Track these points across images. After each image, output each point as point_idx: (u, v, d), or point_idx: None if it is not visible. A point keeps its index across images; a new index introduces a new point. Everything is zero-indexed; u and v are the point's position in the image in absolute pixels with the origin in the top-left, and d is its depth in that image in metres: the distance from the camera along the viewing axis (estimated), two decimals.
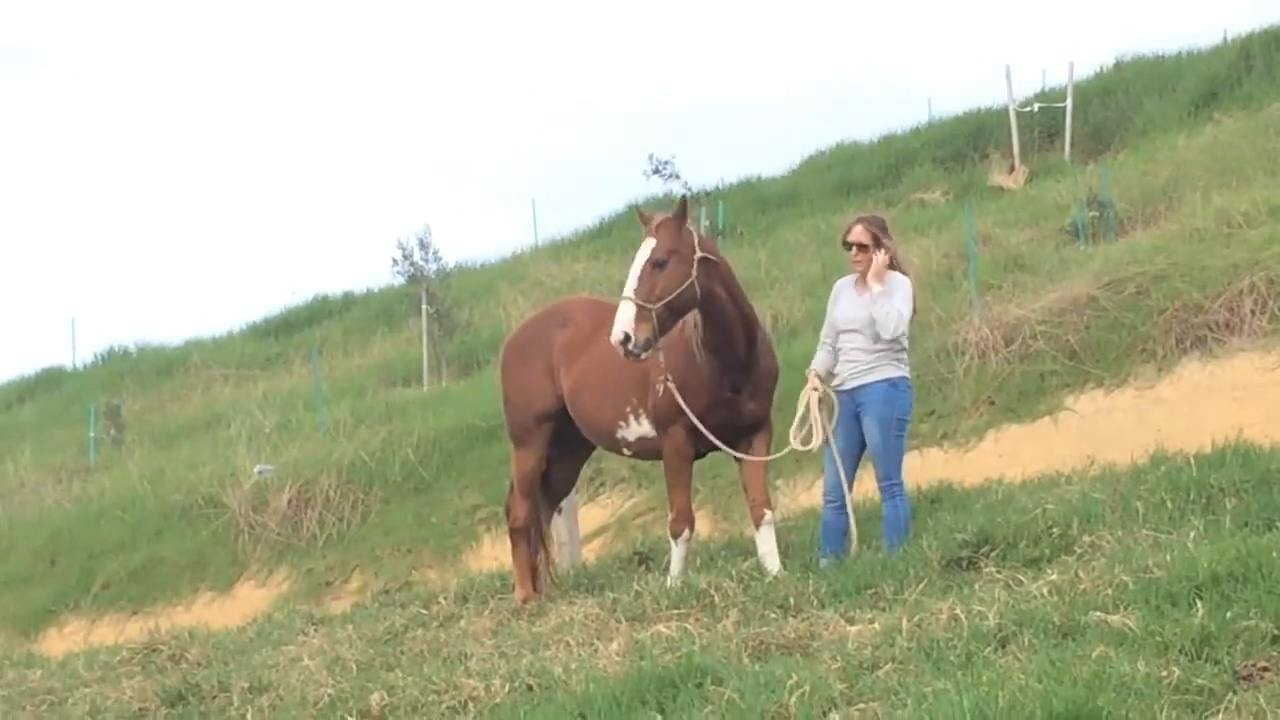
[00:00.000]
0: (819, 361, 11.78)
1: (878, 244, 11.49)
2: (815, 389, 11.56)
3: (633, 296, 11.06)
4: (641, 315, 10.98)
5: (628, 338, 10.91)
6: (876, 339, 11.30)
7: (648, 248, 11.32)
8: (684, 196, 11.98)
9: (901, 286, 11.48)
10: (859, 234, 11.58)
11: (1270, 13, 52.24)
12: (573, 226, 40.86)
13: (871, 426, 11.30)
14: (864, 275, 11.49)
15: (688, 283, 11.24)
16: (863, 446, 11.56)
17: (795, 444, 11.74)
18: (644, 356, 11.15)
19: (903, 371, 11.52)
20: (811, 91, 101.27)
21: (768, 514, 11.75)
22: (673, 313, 11.27)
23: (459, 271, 35.30)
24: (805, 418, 11.55)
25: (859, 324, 11.37)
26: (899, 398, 11.42)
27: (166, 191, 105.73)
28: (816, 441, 11.51)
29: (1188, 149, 28.40)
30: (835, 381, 11.56)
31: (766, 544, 11.62)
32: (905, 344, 11.60)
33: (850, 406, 11.43)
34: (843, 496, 11.38)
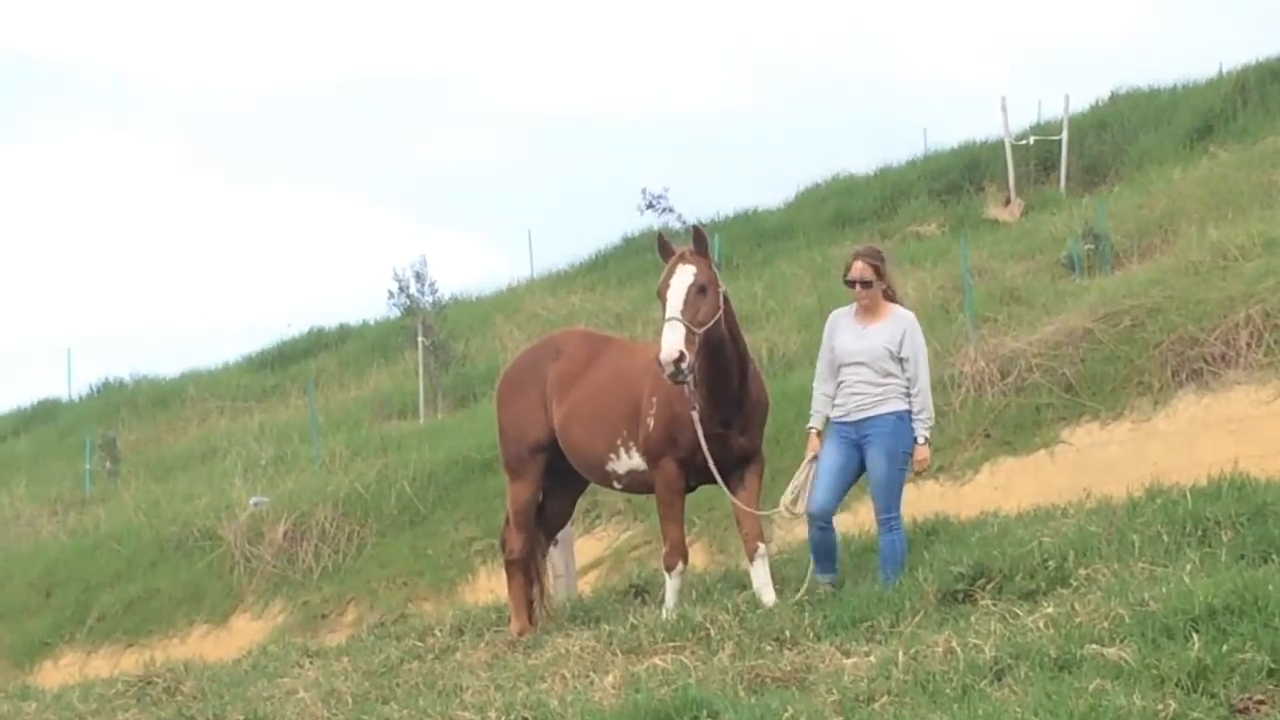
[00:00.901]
0: (818, 410, 11.72)
1: (879, 277, 11.48)
2: (813, 456, 11.57)
3: (680, 318, 10.88)
4: (689, 338, 10.81)
5: (682, 356, 10.70)
6: (885, 373, 11.26)
7: (689, 273, 11.14)
8: (697, 228, 11.68)
9: (905, 322, 11.50)
10: (862, 271, 11.46)
11: (1265, 46, 52.28)
12: (568, 259, 40.96)
13: (878, 458, 11.21)
14: (865, 309, 11.49)
15: (719, 314, 11.23)
16: (857, 474, 11.53)
17: (784, 510, 11.79)
18: (689, 379, 10.96)
19: (907, 405, 11.32)
20: (807, 123, 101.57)
21: (761, 547, 11.75)
22: (705, 341, 11.08)
23: (455, 304, 35.25)
24: (800, 484, 11.55)
25: (865, 356, 11.29)
26: (905, 430, 11.27)
27: (162, 223, 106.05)
28: (802, 506, 11.51)
29: (1183, 182, 28.48)
30: (837, 414, 11.45)
31: (760, 577, 11.58)
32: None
33: (852, 437, 11.34)
34: (830, 519, 11.43)
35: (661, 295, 11.27)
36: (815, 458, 11.49)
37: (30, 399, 43.70)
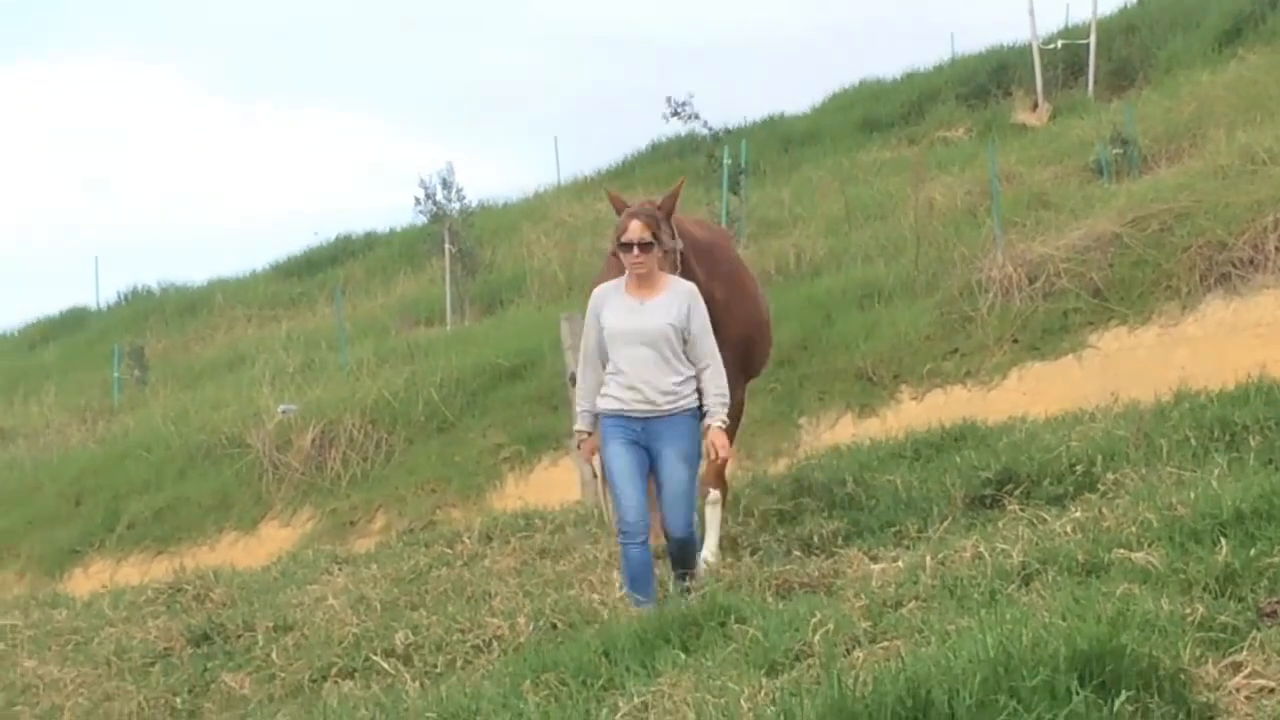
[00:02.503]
0: (586, 409, 9.67)
1: (658, 240, 9.43)
2: (591, 457, 9.81)
3: None
4: None
5: None
6: (672, 358, 9.34)
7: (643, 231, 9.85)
8: (676, 185, 10.35)
9: (688, 294, 9.50)
10: (639, 230, 9.35)
11: None
12: (595, 165, 40.94)
13: (676, 466, 9.38)
14: (640, 279, 9.44)
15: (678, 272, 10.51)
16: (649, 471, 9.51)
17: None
18: None
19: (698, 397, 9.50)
20: (833, 27, 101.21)
21: (713, 493, 10.64)
22: None
23: (481, 210, 35.28)
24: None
25: (645, 337, 9.32)
26: (698, 428, 9.54)
27: (194, 138, 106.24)
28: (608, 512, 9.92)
29: (1212, 85, 28.27)
30: (613, 406, 9.40)
31: (710, 526, 10.62)
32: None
33: (636, 432, 9.37)
34: (646, 530, 9.33)
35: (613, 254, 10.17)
36: (595, 464, 9.72)
37: (58, 308, 43.82)
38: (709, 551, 10.30)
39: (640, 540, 9.23)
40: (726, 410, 9.48)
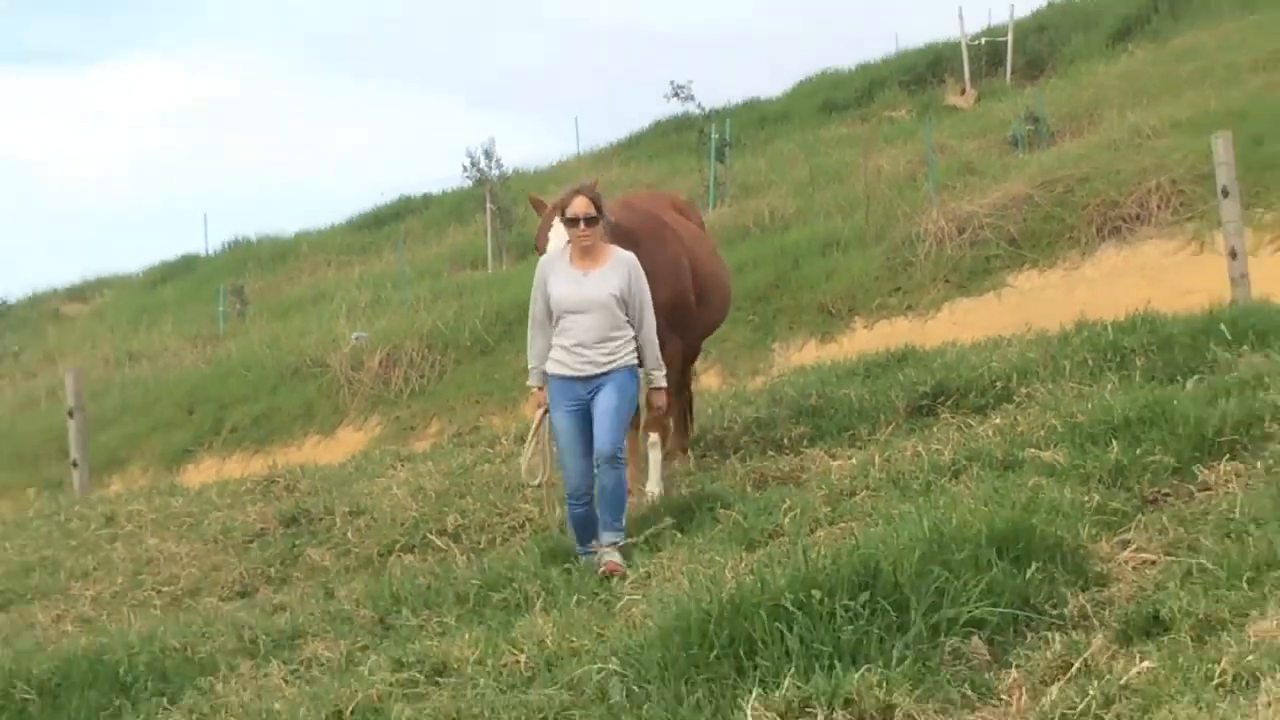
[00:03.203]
0: (536, 367, 8.70)
1: (601, 214, 8.48)
2: (542, 415, 8.75)
3: None
4: None
5: None
6: (614, 325, 8.43)
7: (563, 235, 8.85)
8: (594, 180, 9.48)
9: (629, 265, 8.56)
10: (583, 206, 8.40)
11: None
12: (608, 138, 41.06)
13: (610, 395, 8.35)
14: (584, 251, 8.47)
15: None
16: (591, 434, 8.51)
17: (526, 480, 9.06)
18: None
19: (636, 358, 8.60)
20: (800, 24, 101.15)
21: (653, 436, 9.78)
22: None
23: (516, 176, 35.23)
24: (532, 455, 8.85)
25: (589, 305, 8.39)
26: (635, 379, 8.64)
27: (282, 106, 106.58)
28: (542, 476, 8.84)
29: (1106, 75, 28.33)
30: (562, 371, 8.47)
31: (651, 465, 9.76)
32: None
33: (581, 393, 8.44)
34: (589, 494, 8.45)
35: (540, 247, 9.26)
36: (542, 420, 8.72)
37: (174, 254, 43.68)
38: (652, 483, 9.71)
39: (585, 502, 8.40)
40: (663, 374, 8.72)
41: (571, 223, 8.42)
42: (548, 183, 35.23)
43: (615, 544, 8.33)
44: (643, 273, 8.55)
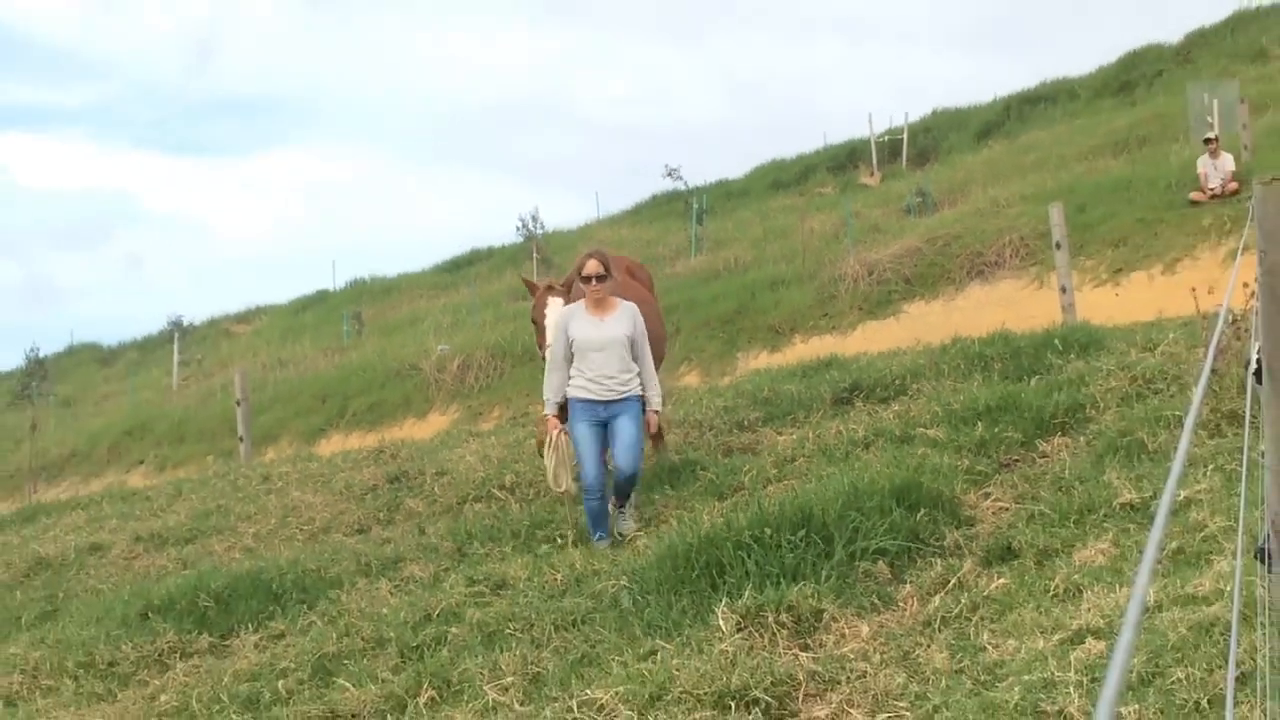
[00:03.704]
0: (553, 398, 7.80)
1: (609, 273, 7.79)
2: (557, 435, 7.88)
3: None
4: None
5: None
6: (626, 360, 7.71)
7: (558, 304, 8.20)
8: (553, 283, 8.62)
9: (633, 311, 7.82)
10: (596, 268, 7.70)
11: (1022, 81, 52.03)
12: (619, 206, 41.43)
13: (629, 425, 7.65)
14: (596, 302, 7.75)
15: None
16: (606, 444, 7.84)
17: (551, 483, 8.08)
18: None
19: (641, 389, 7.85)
20: (763, 125, 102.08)
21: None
22: None
23: (554, 234, 35.37)
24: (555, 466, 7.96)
25: (607, 344, 7.67)
26: (643, 414, 7.82)
27: (384, 184, 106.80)
28: (564, 485, 7.99)
29: (973, 162, 28.40)
30: (584, 395, 7.66)
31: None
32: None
33: (600, 415, 7.67)
34: (602, 490, 7.70)
35: (538, 324, 8.37)
36: (556, 438, 7.87)
37: (311, 289, 43.87)
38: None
39: (599, 496, 7.67)
40: (660, 399, 7.92)
41: (586, 280, 7.72)
42: (577, 240, 35.37)
43: (634, 515, 7.95)
44: (642, 318, 7.87)
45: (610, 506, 7.85)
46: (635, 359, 7.80)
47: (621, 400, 7.69)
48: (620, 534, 7.72)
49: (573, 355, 7.73)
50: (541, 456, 8.18)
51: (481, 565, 7.57)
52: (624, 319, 7.79)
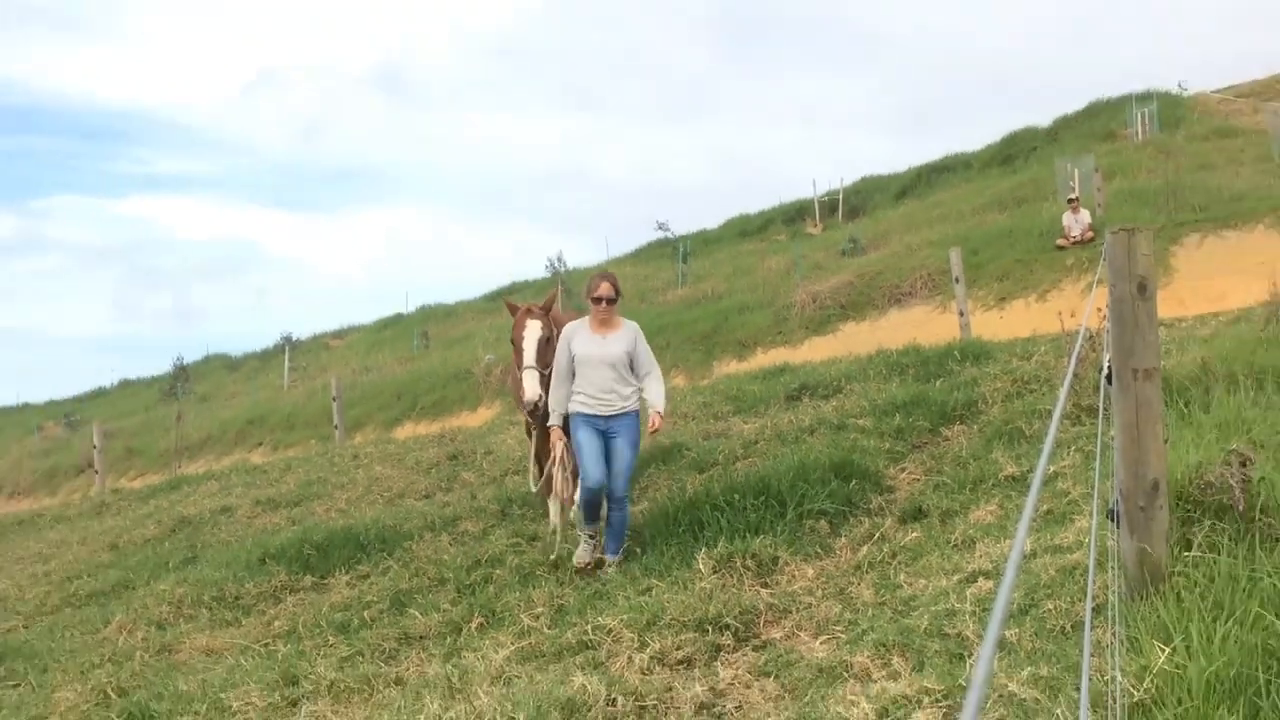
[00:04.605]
0: (557, 410, 6.32)
1: (619, 296, 6.40)
2: (563, 449, 6.44)
3: (535, 366, 6.53)
4: (542, 380, 6.53)
5: (540, 396, 6.48)
6: (625, 376, 6.26)
7: (537, 327, 6.66)
8: (552, 292, 7.08)
9: (635, 331, 6.41)
10: (609, 290, 6.32)
11: (930, 154, 51.96)
12: (623, 249, 41.35)
13: (624, 449, 6.18)
14: (602, 321, 6.33)
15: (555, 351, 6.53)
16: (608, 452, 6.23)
17: (559, 491, 6.57)
18: (542, 407, 6.51)
19: (639, 406, 6.37)
20: (731, 185, 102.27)
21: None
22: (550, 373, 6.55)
23: (575, 271, 35.32)
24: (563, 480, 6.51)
25: (609, 360, 6.23)
26: (639, 426, 6.35)
27: (446, 235, 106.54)
28: (567, 493, 6.54)
29: (893, 217, 28.27)
30: (586, 409, 6.21)
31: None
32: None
33: (600, 426, 6.21)
34: (603, 486, 6.11)
35: (517, 344, 6.67)
36: (562, 451, 6.44)
37: (389, 313, 43.67)
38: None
39: (597, 490, 6.10)
40: (664, 403, 6.32)
41: (597, 301, 6.31)
42: (593, 275, 35.39)
43: (616, 562, 6.22)
44: (643, 334, 6.46)
45: (599, 551, 6.34)
46: (638, 373, 6.35)
47: (620, 415, 6.23)
48: (603, 573, 6.13)
49: (574, 371, 6.32)
50: (530, 438, 7.06)
51: (519, 523, 7.56)
52: (625, 336, 6.40)
